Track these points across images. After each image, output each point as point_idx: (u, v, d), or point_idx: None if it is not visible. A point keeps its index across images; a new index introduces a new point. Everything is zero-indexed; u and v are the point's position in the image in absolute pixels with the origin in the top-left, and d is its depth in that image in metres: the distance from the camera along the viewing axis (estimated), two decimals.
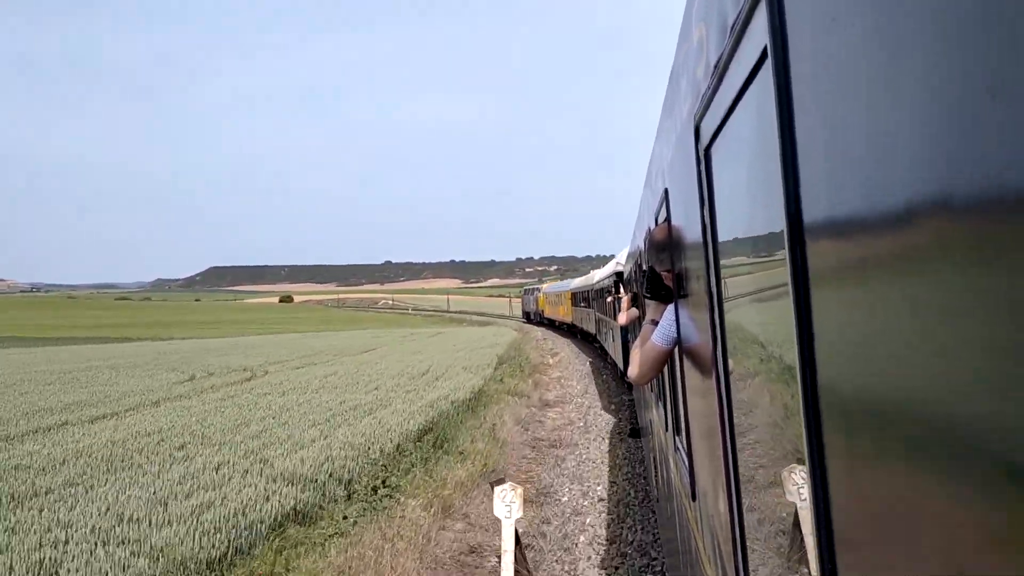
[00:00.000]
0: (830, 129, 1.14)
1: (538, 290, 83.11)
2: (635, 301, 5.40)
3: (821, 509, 1.31)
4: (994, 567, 0.76)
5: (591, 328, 38.04)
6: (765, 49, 1.40)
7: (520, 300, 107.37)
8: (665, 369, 4.76)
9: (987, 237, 0.70)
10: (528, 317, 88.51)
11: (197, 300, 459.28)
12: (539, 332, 61.27)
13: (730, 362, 2.32)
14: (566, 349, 43.13)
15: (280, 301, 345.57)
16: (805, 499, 1.39)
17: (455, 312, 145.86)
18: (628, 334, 16.21)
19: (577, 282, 46.94)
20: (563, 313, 55.88)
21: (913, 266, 0.89)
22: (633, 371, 4.12)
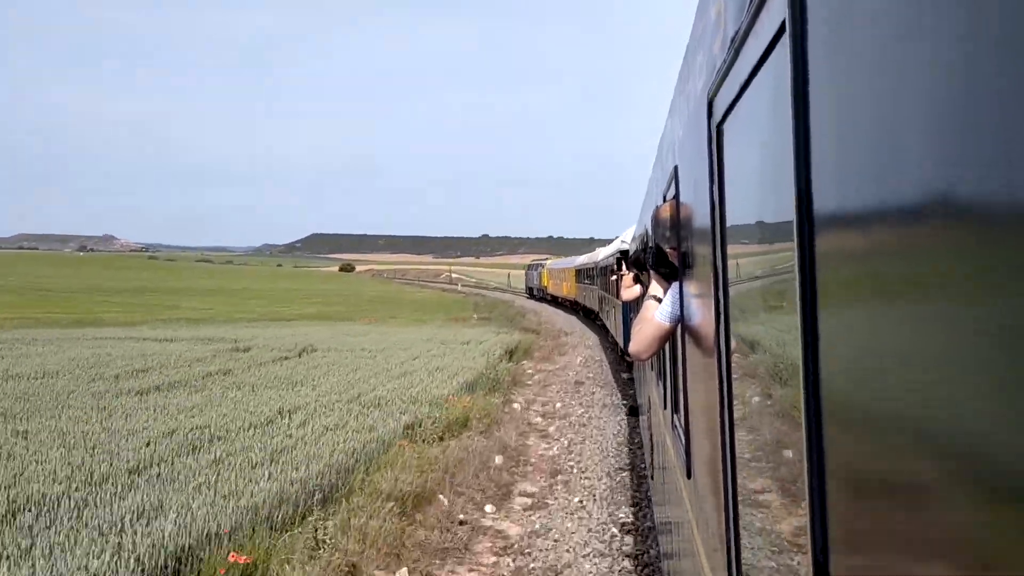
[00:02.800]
0: (846, 108, 1.12)
1: (542, 266, 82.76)
2: (638, 279, 5.38)
3: (815, 490, 1.31)
4: (982, 561, 0.76)
5: (594, 305, 37.95)
6: (783, 23, 1.38)
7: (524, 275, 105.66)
8: (666, 347, 4.78)
9: (1006, 225, 0.67)
10: (531, 292, 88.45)
11: (279, 265, 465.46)
12: (569, 358, 28.83)
13: (732, 342, 2.31)
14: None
15: (340, 270, 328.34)
16: (800, 480, 1.39)
17: (512, 290, 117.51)
18: (630, 312, 15.98)
19: (581, 259, 46.59)
20: (566, 290, 55.66)
21: (924, 254, 0.87)
22: (633, 346, 4.11)
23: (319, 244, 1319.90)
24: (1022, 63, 0.63)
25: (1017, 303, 0.65)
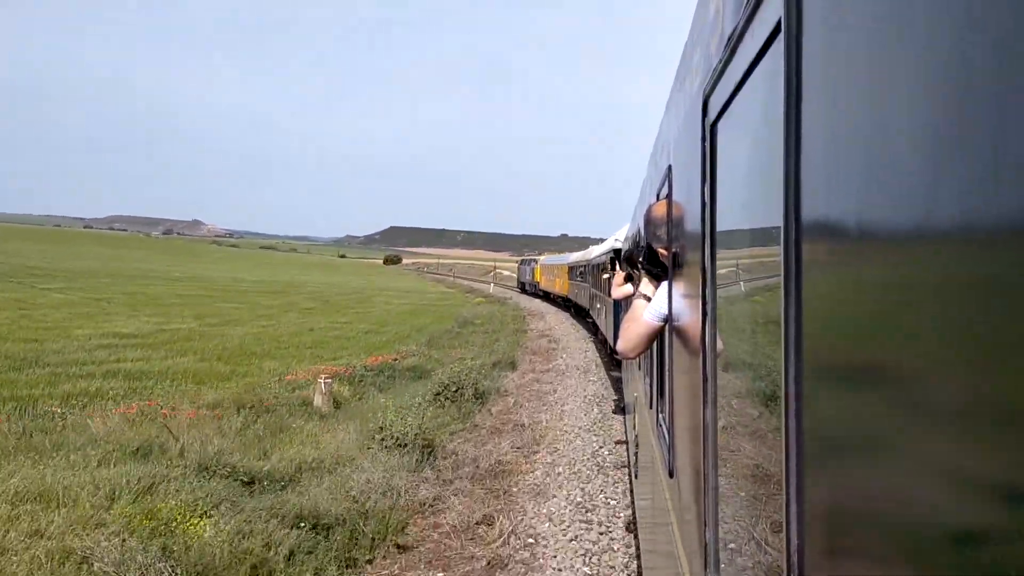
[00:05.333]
0: (840, 109, 1.11)
1: (535, 261, 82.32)
2: (629, 278, 5.35)
3: (794, 493, 1.31)
4: (958, 564, 0.76)
5: (584, 303, 38.02)
6: (779, 22, 1.37)
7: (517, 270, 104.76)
8: (653, 346, 4.74)
9: (999, 231, 0.66)
10: (523, 287, 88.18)
11: (342, 256, 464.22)
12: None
13: (717, 343, 2.31)
14: None
15: (385, 262, 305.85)
16: (780, 483, 1.39)
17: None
18: (620, 310, 15.49)
19: (575, 256, 46.56)
20: (559, 287, 55.13)
21: (913, 258, 0.86)
22: (621, 344, 4.12)
23: (397, 236, 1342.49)
24: (1018, 66, 0.63)
25: (1008, 310, 0.65)
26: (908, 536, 0.89)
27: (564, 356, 28.42)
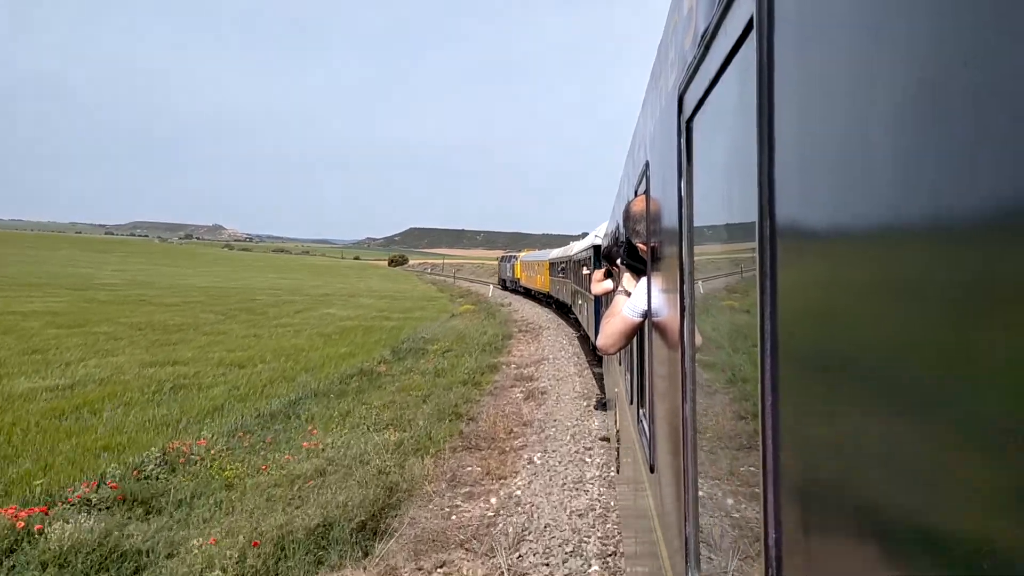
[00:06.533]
0: (812, 106, 1.12)
1: (515, 258, 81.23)
2: (609, 274, 5.36)
3: (772, 487, 1.32)
4: (932, 560, 0.77)
5: (567, 299, 37.74)
6: (751, 20, 1.38)
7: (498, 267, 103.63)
8: (633, 342, 4.77)
9: (972, 226, 0.66)
10: (504, 284, 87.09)
11: (356, 258, 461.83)
12: None
13: (695, 338, 2.32)
14: None
15: (390, 264, 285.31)
16: (757, 477, 1.41)
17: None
18: (601, 306, 15.64)
19: (555, 252, 46.25)
20: (540, 283, 54.35)
21: (886, 254, 0.87)
22: (601, 340, 4.12)
23: (417, 238, 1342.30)
24: (991, 62, 0.63)
25: (983, 306, 0.65)
26: (885, 530, 0.89)
27: (541, 455, 12.70)
